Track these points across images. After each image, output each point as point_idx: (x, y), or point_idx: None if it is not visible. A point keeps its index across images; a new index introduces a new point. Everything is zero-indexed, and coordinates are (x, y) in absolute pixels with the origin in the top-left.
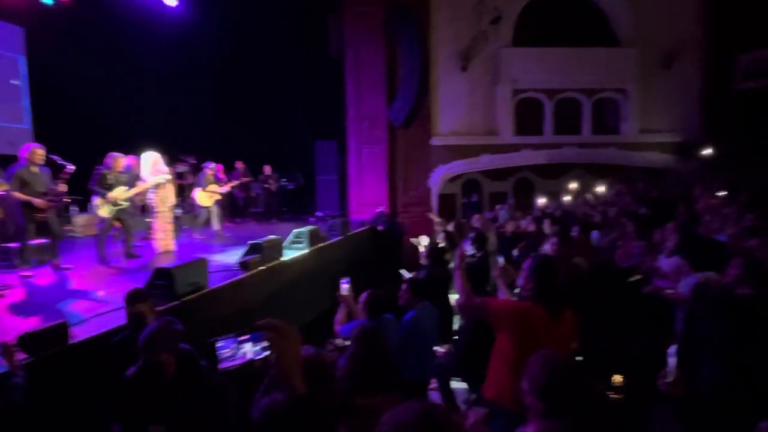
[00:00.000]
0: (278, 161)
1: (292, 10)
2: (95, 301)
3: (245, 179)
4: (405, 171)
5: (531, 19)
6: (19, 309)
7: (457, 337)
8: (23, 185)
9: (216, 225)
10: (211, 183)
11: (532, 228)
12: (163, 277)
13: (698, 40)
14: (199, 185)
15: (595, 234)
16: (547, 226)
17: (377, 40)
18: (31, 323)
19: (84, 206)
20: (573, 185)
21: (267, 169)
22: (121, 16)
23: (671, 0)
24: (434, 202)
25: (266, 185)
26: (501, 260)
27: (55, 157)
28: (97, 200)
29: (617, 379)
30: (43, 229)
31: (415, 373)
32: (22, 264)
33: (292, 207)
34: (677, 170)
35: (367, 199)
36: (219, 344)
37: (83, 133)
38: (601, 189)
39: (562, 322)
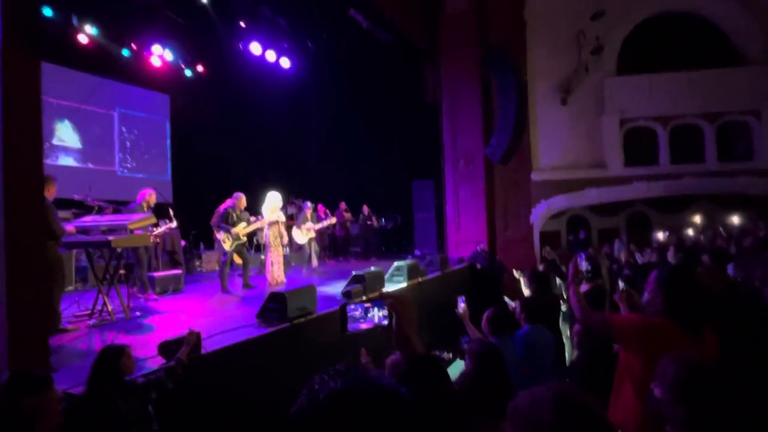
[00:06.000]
0: (377, 201)
1: (390, 62)
2: (218, 322)
3: (344, 217)
4: (504, 208)
5: (635, 46)
6: (158, 325)
7: (570, 370)
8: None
9: (313, 261)
10: (306, 221)
11: (652, 260)
12: (276, 301)
13: None
14: (296, 224)
15: (730, 268)
16: (671, 256)
17: (473, 80)
18: (164, 335)
19: (209, 244)
20: (697, 218)
21: (365, 209)
22: (245, 79)
23: None
24: (536, 239)
25: (366, 223)
26: (622, 284)
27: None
28: (221, 235)
29: None
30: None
31: None
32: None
33: (390, 246)
34: None
35: (465, 237)
36: (350, 307)
37: (211, 178)
38: (733, 220)
39: (702, 342)
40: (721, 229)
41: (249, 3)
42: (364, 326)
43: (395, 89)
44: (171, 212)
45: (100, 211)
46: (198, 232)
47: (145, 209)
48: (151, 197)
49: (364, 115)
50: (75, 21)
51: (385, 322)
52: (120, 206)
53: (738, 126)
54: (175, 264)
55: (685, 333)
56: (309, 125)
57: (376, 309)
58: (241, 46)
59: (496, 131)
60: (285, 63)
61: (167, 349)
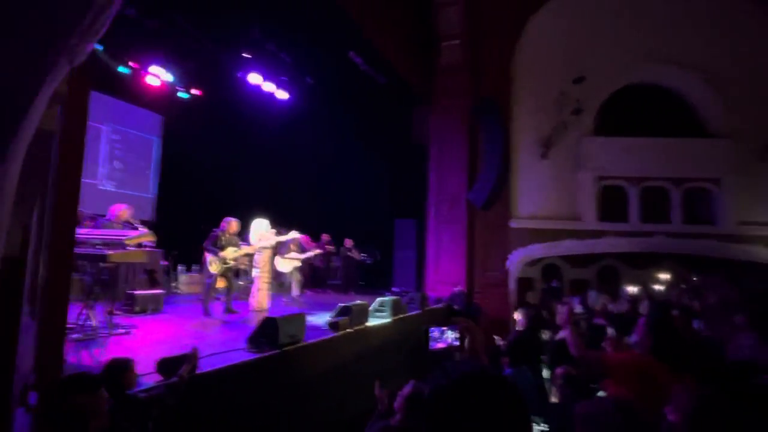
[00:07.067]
0: (359, 236)
1: (383, 103)
2: (206, 345)
3: (327, 249)
4: (483, 252)
5: (613, 110)
6: (143, 343)
7: (552, 411)
8: None
9: (295, 291)
10: (290, 251)
11: (624, 310)
12: (269, 327)
13: None
14: (279, 253)
15: (695, 323)
16: (644, 308)
17: (461, 128)
18: (152, 354)
19: (189, 266)
20: (664, 275)
21: (348, 243)
22: (239, 107)
23: (765, 89)
24: (512, 285)
25: (346, 256)
26: (611, 330)
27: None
28: (209, 258)
29: None
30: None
31: None
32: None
33: (369, 281)
34: None
35: (444, 278)
36: (431, 329)
37: (196, 200)
38: (697, 280)
39: (683, 380)
40: (684, 287)
41: (257, 37)
42: (440, 345)
43: (386, 129)
44: (133, 223)
45: (78, 223)
46: (179, 252)
47: (116, 225)
48: (124, 213)
49: (354, 151)
50: None
51: (457, 344)
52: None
53: (701, 192)
54: (153, 283)
55: (670, 371)
56: (299, 156)
57: (449, 332)
58: (240, 75)
59: (480, 178)
60: (281, 95)
61: (166, 366)
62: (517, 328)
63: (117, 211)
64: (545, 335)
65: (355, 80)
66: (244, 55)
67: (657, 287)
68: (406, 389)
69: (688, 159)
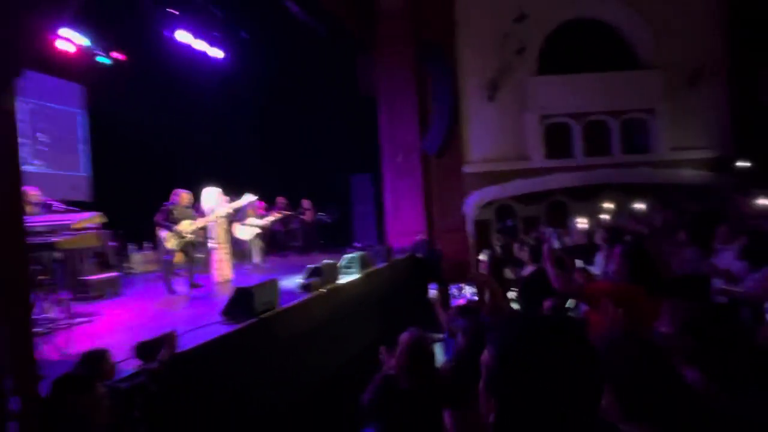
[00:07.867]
0: (316, 196)
1: (326, 55)
2: (178, 322)
3: (284, 213)
4: (440, 199)
5: (555, 48)
6: (110, 330)
7: None
8: None
9: (256, 258)
10: (250, 217)
11: (581, 242)
12: (243, 296)
13: (722, 57)
14: (238, 220)
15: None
16: (599, 238)
17: (408, 75)
18: (124, 339)
19: (141, 244)
20: (609, 205)
21: (305, 204)
22: (171, 69)
23: (691, 21)
24: (470, 228)
25: (302, 217)
26: (579, 262)
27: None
28: (165, 234)
29: None
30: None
31: None
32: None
33: (330, 239)
34: (715, 184)
35: (405, 228)
36: (450, 287)
37: (136, 174)
38: (639, 206)
39: (658, 302)
40: (630, 213)
41: None
42: (460, 302)
43: (332, 82)
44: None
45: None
46: (125, 231)
47: (28, 211)
48: (34, 196)
49: (301, 108)
50: None
51: (476, 298)
52: None
53: (637, 122)
54: (105, 267)
55: (647, 295)
56: (242, 118)
57: (467, 288)
58: (167, 34)
59: (432, 125)
60: (215, 52)
61: (144, 350)
62: (481, 270)
63: (24, 196)
64: (510, 273)
65: (294, 32)
66: (169, 10)
67: (604, 217)
68: (406, 335)
69: (625, 91)
